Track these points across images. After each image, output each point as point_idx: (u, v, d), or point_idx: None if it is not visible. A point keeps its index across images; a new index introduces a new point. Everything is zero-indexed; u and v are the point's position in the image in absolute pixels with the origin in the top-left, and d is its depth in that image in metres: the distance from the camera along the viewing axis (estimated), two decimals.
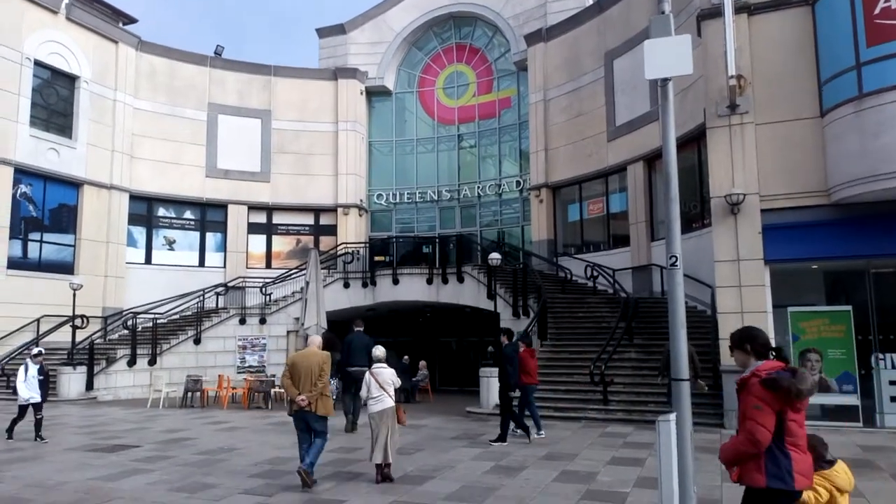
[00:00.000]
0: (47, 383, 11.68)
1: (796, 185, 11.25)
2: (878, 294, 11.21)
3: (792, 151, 11.34)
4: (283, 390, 16.02)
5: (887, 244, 10.64)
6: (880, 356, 10.86)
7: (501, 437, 10.07)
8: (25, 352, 19.12)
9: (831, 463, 3.90)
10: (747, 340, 3.81)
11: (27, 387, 10.77)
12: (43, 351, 12.77)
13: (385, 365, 8.06)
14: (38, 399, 10.81)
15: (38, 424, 10.68)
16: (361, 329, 12.56)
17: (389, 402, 7.68)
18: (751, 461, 3.55)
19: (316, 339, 8.06)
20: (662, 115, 4.99)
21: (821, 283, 12.34)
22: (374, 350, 8.48)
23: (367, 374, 7.98)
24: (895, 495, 6.76)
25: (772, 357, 3.74)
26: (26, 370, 10.88)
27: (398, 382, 7.95)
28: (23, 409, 10.82)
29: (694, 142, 15.69)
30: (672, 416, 4.60)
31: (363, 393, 7.94)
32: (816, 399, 11.26)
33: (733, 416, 11.03)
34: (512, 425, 10.35)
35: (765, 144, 11.51)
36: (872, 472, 7.76)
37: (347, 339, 12.36)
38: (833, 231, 11.01)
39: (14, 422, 10.82)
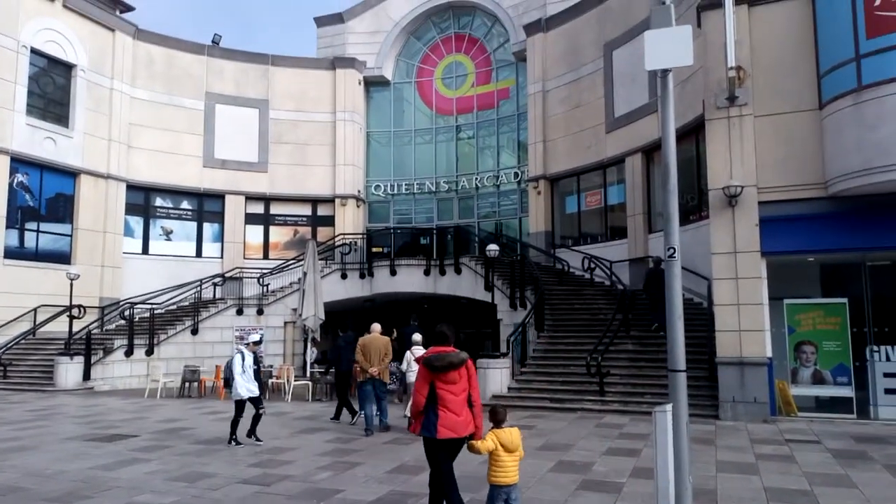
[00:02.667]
0: (261, 374, 10.52)
1: (794, 177, 11.26)
2: (873, 287, 11.25)
3: (790, 144, 11.34)
4: (280, 381, 16.21)
5: (884, 237, 10.67)
6: (875, 348, 10.92)
7: (353, 416, 11.37)
8: (22, 342, 19.23)
9: (500, 424, 5.07)
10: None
11: (244, 379, 9.39)
12: (262, 337, 11.35)
13: (421, 347, 11.04)
14: (256, 392, 9.52)
15: (256, 421, 9.47)
16: (416, 323, 15.43)
17: None
18: (419, 416, 5.04)
19: (377, 327, 11.17)
20: (662, 107, 4.98)
21: (817, 275, 12.38)
22: (413, 336, 11.55)
23: (408, 352, 11.21)
24: (889, 486, 6.81)
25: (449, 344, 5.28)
26: (242, 359, 9.46)
27: None
28: (241, 406, 9.45)
29: (692, 134, 15.67)
30: (668, 407, 4.63)
31: (403, 366, 11.43)
32: (811, 391, 11.37)
33: (729, 406, 11.12)
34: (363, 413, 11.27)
35: (763, 136, 11.51)
36: (866, 464, 7.82)
37: (405, 329, 14.70)
38: (830, 224, 11.03)
39: (235, 423, 9.43)
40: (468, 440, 5.06)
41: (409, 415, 8.86)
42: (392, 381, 13.26)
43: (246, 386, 9.39)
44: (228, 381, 9.69)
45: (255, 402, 9.48)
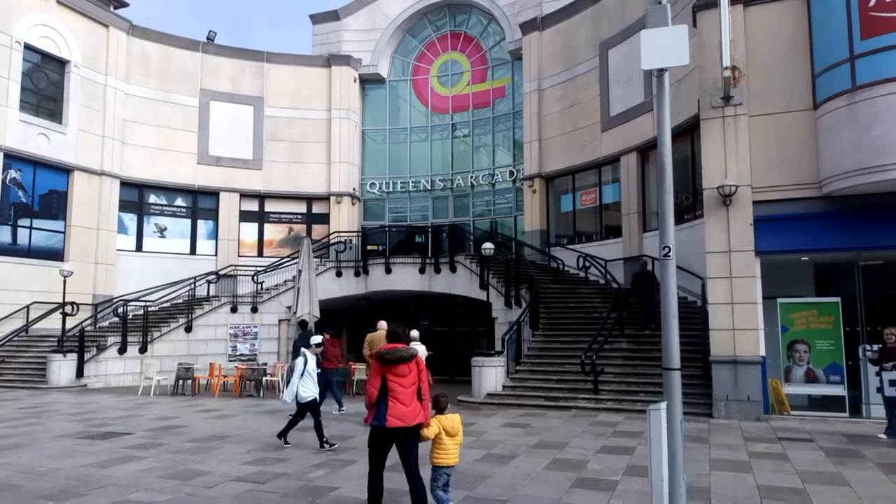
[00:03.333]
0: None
1: (788, 177, 11.31)
2: (866, 286, 11.33)
3: (784, 143, 11.39)
4: (274, 378, 16.20)
5: (877, 236, 10.74)
6: (868, 347, 10.98)
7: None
8: (15, 339, 19.14)
9: (443, 411, 5.57)
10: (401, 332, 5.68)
11: (303, 381, 8.87)
12: (325, 339, 11.56)
13: (419, 342, 11.52)
14: (316, 395, 9.06)
15: (319, 427, 8.95)
16: (426, 322, 15.82)
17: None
18: (372, 407, 5.31)
19: (383, 324, 12.00)
20: (657, 106, 4.99)
21: (811, 274, 12.45)
22: (412, 332, 11.17)
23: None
24: (881, 484, 6.86)
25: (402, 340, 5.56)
26: (305, 362, 8.96)
27: (426, 354, 11.25)
28: (303, 408, 9.02)
29: (687, 133, 15.72)
30: (662, 405, 4.65)
31: None
32: (804, 389, 11.43)
33: (722, 405, 11.18)
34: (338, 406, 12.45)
35: (758, 136, 11.55)
36: (858, 462, 7.88)
37: (417, 328, 15.30)
38: (824, 223, 11.08)
39: (293, 422, 9.16)
40: (418, 429, 5.36)
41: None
42: None
43: (308, 388, 8.91)
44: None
45: (313, 407, 8.98)
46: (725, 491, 6.53)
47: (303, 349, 9.32)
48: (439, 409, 5.60)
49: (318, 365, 9.55)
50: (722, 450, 8.58)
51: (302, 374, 8.90)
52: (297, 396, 8.90)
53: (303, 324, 13.25)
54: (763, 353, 11.26)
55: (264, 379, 16.06)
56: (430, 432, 5.39)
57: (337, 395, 12.71)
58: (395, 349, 5.39)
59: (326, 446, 8.80)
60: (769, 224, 11.30)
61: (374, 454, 5.42)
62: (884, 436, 9.21)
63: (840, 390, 11.00)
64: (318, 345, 9.73)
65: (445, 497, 5.45)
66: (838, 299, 11.28)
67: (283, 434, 9.21)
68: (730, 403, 11.16)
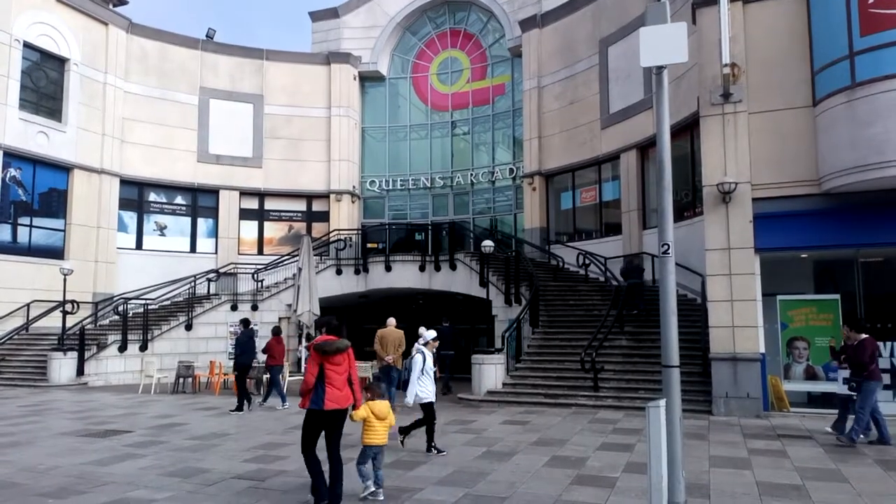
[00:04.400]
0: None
1: (787, 174, 11.31)
2: (865, 283, 11.33)
3: (784, 140, 11.39)
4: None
5: (876, 233, 10.73)
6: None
7: (238, 408, 12.34)
8: (15, 337, 19.15)
9: (374, 397, 6.29)
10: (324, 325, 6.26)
11: (422, 381, 8.40)
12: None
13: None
14: (432, 397, 8.52)
15: (431, 431, 8.43)
16: (448, 324, 16.46)
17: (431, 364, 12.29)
18: (308, 393, 5.83)
19: (392, 321, 13.12)
20: (656, 103, 5.00)
21: (810, 271, 12.45)
22: (420, 329, 12.14)
23: (417, 343, 11.87)
24: (879, 480, 6.87)
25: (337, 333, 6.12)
26: (423, 360, 8.49)
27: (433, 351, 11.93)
28: (429, 408, 8.45)
29: (687, 130, 15.71)
30: (662, 403, 4.66)
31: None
32: (804, 387, 11.44)
33: (722, 402, 11.19)
34: (276, 399, 13.15)
35: (757, 133, 11.55)
36: (857, 458, 7.89)
37: (439, 328, 16.51)
38: (823, 220, 11.08)
39: (420, 423, 8.56)
40: (347, 412, 6.03)
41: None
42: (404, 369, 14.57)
43: (426, 388, 8.46)
44: (407, 384, 8.73)
45: (429, 408, 8.43)
46: (724, 488, 6.54)
47: (419, 346, 8.75)
48: (371, 396, 6.33)
49: (403, 363, 9.28)
50: (721, 447, 8.59)
51: (421, 374, 8.41)
52: (418, 398, 8.36)
53: (245, 322, 13.67)
54: (762, 350, 11.27)
55: (264, 377, 16.05)
56: (358, 415, 6.15)
57: (280, 391, 13.26)
58: (332, 341, 5.98)
59: (434, 451, 8.20)
60: (769, 221, 11.30)
61: (309, 435, 5.87)
62: (830, 429, 9.29)
63: (839, 387, 11.00)
64: (434, 339, 8.95)
65: (367, 471, 6.13)
66: (838, 296, 11.28)
67: (406, 431, 8.60)
68: (729, 400, 11.17)
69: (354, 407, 6.13)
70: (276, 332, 13.77)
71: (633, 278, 15.34)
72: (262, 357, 14.33)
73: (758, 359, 11.16)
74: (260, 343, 14.79)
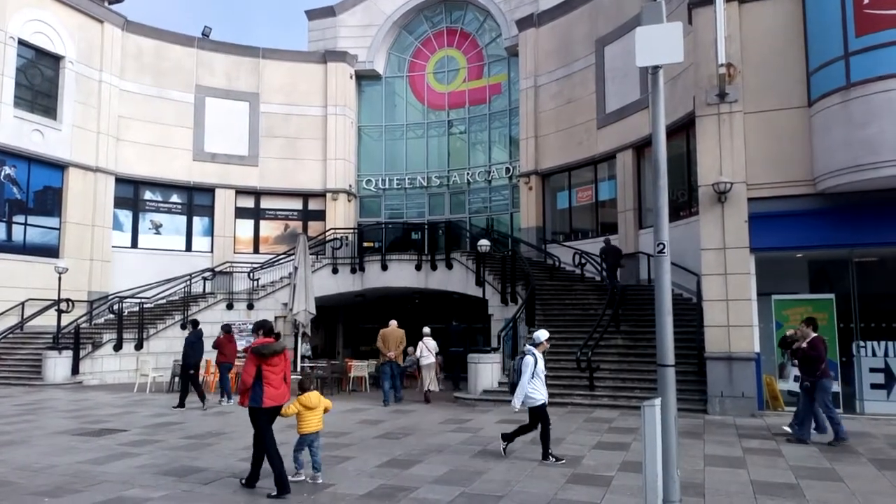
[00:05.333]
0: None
1: (783, 174, 11.34)
2: (860, 283, 11.37)
3: (779, 140, 11.42)
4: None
5: (871, 233, 10.78)
6: (861, 344, 11.05)
7: (181, 405, 12.85)
8: (10, 336, 19.07)
9: (304, 391, 6.81)
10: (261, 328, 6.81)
11: (532, 385, 7.85)
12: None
13: (431, 338, 14.66)
14: (544, 401, 8.02)
15: (547, 436, 7.87)
16: (457, 323, 17.89)
17: (432, 359, 14.52)
18: (246, 392, 6.41)
19: (394, 322, 14.38)
20: (652, 103, 5.01)
21: (805, 271, 12.49)
22: (424, 328, 14.92)
23: (420, 342, 14.57)
24: (874, 479, 6.90)
25: (272, 336, 6.71)
26: (535, 362, 7.90)
27: (436, 348, 14.83)
28: (535, 414, 7.99)
29: (683, 130, 15.74)
30: (657, 402, 4.67)
31: (417, 353, 14.70)
32: (798, 386, 11.47)
33: (717, 401, 11.23)
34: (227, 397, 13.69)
35: (753, 133, 11.58)
36: (851, 457, 7.93)
37: (449, 327, 17.89)
38: (818, 220, 11.13)
39: (526, 430, 8.16)
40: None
41: (426, 390, 14.03)
42: (409, 365, 16.02)
43: (539, 391, 7.95)
44: (514, 386, 8.10)
45: (541, 413, 7.93)
46: (719, 486, 6.56)
47: (529, 347, 8.13)
48: (303, 389, 6.84)
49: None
50: (716, 446, 8.63)
51: (532, 376, 7.83)
52: (531, 400, 7.88)
53: (194, 322, 14.03)
54: (757, 349, 11.31)
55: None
56: (289, 410, 6.68)
57: (227, 388, 13.81)
58: (269, 344, 6.49)
59: (552, 459, 7.68)
60: (764, 221, 11.33)
61: (263, 429, 6.43)
62: (788, 428, 9.39)
63: (834, 386, 11.03)
64: (547, 339, 8.37)
65: (302, 459, 6.75)
66: (832, 296, 11.33)
67: (509, 438, 8.17)
68: (724, 400, 11.21)
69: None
70: (227, 330, 14.08)
71: (611, 258, 17.12)
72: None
73: (753, 358, 11.20)
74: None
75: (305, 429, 6.72)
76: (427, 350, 14.48)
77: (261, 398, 6.34)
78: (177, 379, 16.21)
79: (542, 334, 8.36)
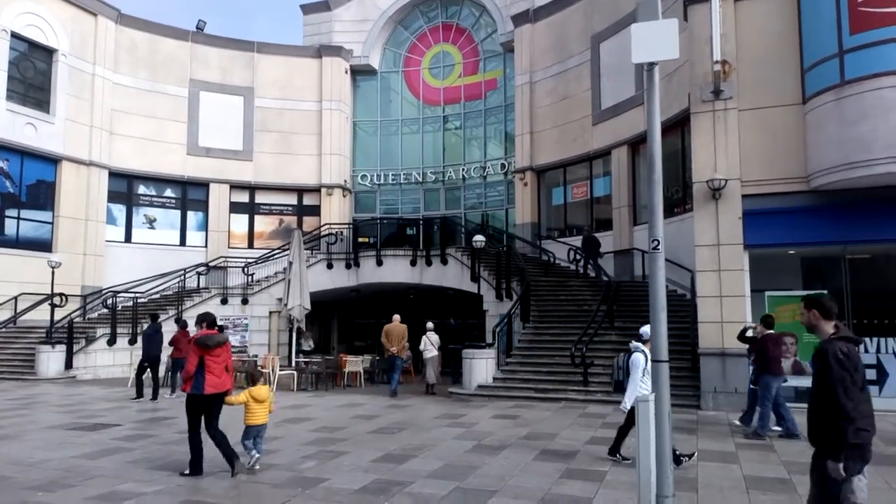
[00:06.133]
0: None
1: (777, 171, 11.39)
2: (853, 280, 11.43)
3: (773, 138, 11.46)
4: (265, 371, 16.17)
5: (863, 230, 10.84)
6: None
7: (153, 397, 13.18)
8: (3, 330, 18.97)
9: (254, 383, 7.24)
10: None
11: (643, 383, 7.14)
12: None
13: (434, 333, 15.30)
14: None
15: (626, 433, 7.47)
16: (454, 321, 19.30)
17: (435, 352, 15.09)
18: (189, 380, 6.83)
19: (397, 317, 15.12)
20: (648, 100, 5.01)
21: (798, 268, 12.55)
22: (427, 323, 15.53)
23: (424, 337, 15.16)
24: (867, 475, 6.94)
25: (215, 328, 7.18)
26: (646, 359, 7.19)
27: (438, 342, 15.33)
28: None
29: (677, 127, 15.77)
30: (651, 397, 4.70)
31: (421, 346, 15.23)
32: (791, 382, 11.53)
33: (710, 397, 11.28)
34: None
35: (747, 130, 11.61)
36: None
37: (447, 324, 18.82)
38: (811, 217, 11.18)
39: (626, 431, 7.52)
40: (225, 395, 7.00)
41: (430, 382, 14.76)
42: (406, 360, 16.38)
43: (650, 388, 6.98)
44: (620, 385, 7.61)
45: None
46: (712, 481, 6.61)
47: (635, 344, 7.52)
48: (253, 381, 7.29)
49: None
50: (709, 441, 8.68)
51: (642, 375, 7.23)
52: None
53: (154, 316, 14.34)
54: None
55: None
56: (238, 400, 7.00)
57: (178, 383, 13.52)
58: (212, 335, 6.95)
59: (619, 457, 7.44)
60: (758, 218, 11.38)
61: (193, 417, 6.83)
62: (738, 422, 9.44)
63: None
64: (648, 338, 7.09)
65: (251, 445, 7.05)
66: (825, 293, 11.36)
67: (615, 449, 7.56)
68: (718, 395, 11.27)
69: (228, 392, 7.05)
70: (183, 325, 13.98)
71: (587, 248, 18.18)
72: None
73: (746, 354, 11.24)
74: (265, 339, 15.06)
75: (253, 420, 7.05)
76: (430, 344, 15.02)
77: (202, 386, 6.76)
78: (170, 374, 16.16)
79: (644, 329, 7.36)
